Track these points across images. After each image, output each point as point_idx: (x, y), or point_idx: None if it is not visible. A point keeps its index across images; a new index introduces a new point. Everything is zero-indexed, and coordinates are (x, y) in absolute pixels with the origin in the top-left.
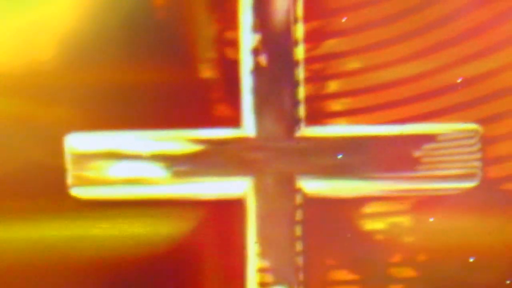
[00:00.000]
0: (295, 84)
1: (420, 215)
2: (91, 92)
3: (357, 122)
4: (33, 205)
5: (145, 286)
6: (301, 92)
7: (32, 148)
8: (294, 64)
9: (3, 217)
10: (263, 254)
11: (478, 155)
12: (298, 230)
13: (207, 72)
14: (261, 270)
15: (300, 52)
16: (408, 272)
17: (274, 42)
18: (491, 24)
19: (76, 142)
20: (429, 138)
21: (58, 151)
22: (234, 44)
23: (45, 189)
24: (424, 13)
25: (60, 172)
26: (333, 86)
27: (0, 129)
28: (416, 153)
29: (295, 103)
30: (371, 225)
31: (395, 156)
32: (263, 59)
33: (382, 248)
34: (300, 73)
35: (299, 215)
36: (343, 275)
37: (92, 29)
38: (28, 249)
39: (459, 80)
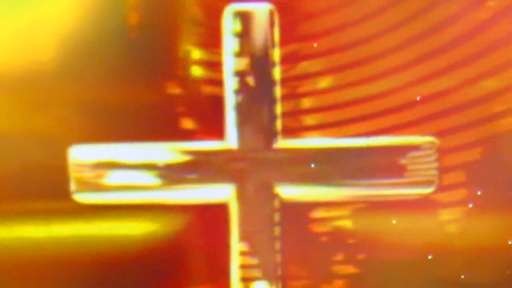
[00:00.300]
0: (273, 101)
1: (382, 217)
2: (90, 107)
3: (328, 135)
4: (39, 208)
5: (139, 281)
6: (278, 108)
7: (40, 158)
8: (272, 83)
9: (13, 218)
10: (245, 252)
11: (435, 165)
12: (277, 231)
13: (194, 91)
14: (244, 267)
15: (277, 73)
16: (371, 268)
17: (254, 64)
18: (447, 47)
19: (78, 153)
20: (392, 149)
21: (62, 161)
22: (218, 66)
23: (51, 194)
24: (385, 38)
25: (64, 179)
26: (306, 103)
27: (11, 141)
28: (380, 163)
29: (273, 118)
30: (339, 226)
31: (362, 166)
32: (244, 80)
33: (349, 246)
34: (277, 91)
35: (277, 218)
36: (318, 270)
37: (85, 42)
38: (35, 247)
39: (418, 98)
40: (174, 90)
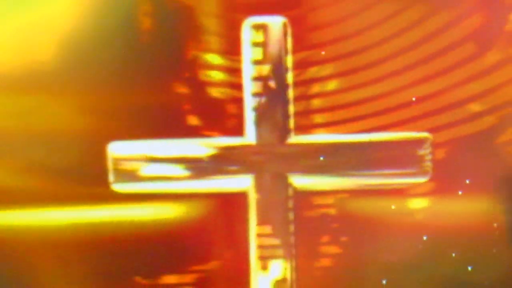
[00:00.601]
0: (286, 102)
1: (384, 202)
2: (127, 106)
3: (335, 132)
4: (82, 197)
5: (170, 258)
6: (291, 108)
7: (83, 153)
8: (286, 86)
9: (60, 205)
10: (263, 234)
11: (429, 157)
12: (291, 216)
13: (217, 93)
14: (262, 247)
15: (290, 77)
16: (372, 248)
17: (270, 70)
18: (437, 54)
19: (116, 148)
20: (391, 144)
21: (103, 155)
22: (239, 71)
23: (92, 184)
24: (384, 46)
25: (104, 171)
26: (315, 103)
27: (59, 138)
28: (380, 156)
29: (287, 117)
30: (346, 210)
31: (364, 158)
32: (261, 84)
33: (358, 227)
34: (290, 93)
35: (290, 204)
36: (327, 250)
37: (97, 45)
38: (80, 231)
39: (413, 99)
40: (200, 93)
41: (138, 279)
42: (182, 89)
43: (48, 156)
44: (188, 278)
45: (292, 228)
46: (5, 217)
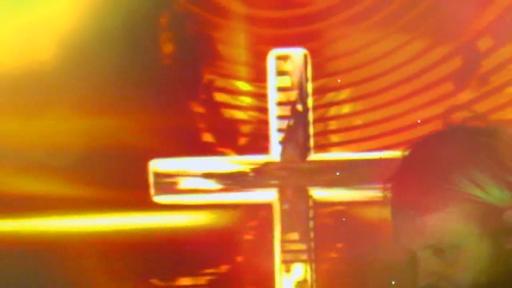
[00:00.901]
0: (307, 124)
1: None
2: (167, 127)
3: (349, 150)
4: (127, 207)
5: (203, 259)
6: (311, 129)
7: (128, 169)
8: (306, 110)
9: (108, 212)
10: (286, 241)
11: None
12: (311, 224)
13: (246, 116)
14: (285, 252)
15: (310, 102)
16: (385, 250)
17: (292, 95)
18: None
19: (157, 165)
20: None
21: (145, 171)
22: (265, 96)
23: (136, 196)
24: (391, 76)
25: (146, 185)
26: (332, 125)
27: (110, 157)
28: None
29: (307, 137)
30: (359, 219)
31: (376, 173)
32: (285, 107)
33: (367, 231)
34: (310, 116)
35: (311, 214)
36: (342, 253)
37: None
38: (124, 236)
39: (418, 121)
40: (229, 117)
41: (172, 277)
42: (215, 114)
43: (102, 172)
44: (218, 278)
45: (312, 235)
46: (63, 223)
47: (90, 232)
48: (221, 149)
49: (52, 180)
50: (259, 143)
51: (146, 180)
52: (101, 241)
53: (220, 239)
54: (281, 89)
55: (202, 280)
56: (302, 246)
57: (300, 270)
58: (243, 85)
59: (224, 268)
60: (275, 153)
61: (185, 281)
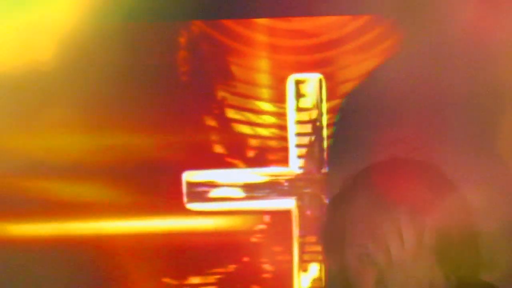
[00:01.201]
0: (321, 140)
1: None
2: (199, 141)
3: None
4: (162, 215)
5: (228, 259)
6: (325, 144)
7: (164, 180)
8: (321, 128)
9: (143, 218)
10: (304, 242)
11: None
12: None
13: (267, 133)
14: (303, 252)
15: (324, 120)
16: None
17: (309, 115)
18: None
19: (190, 176)
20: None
21: (179, 182)
22: (285, 116)
23: (171, 204)
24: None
25: (179, 193)
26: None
27: (148, 168)
28: None
29: (322, 151)
30: None
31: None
32: (302, 126)
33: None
34: (325, 133)
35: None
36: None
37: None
38: (158, 241)
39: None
40: (253, 133)
41: (197, 274)
42: (242, 130)
43: (143, 183)
44: (241, 275)
45: None
46: (108, 226)
47: (132, 235)
48: (246, 162)
49: (102, 187)
50: (279, 157)
51: (180, 190)
52: (142, 242)
53: (244, 241)
54: (299, 109)
55: (227, 275)
56: (318, 248)
57: (316, 269)
58: (266, 106)
59: (247, 267)
60: (294, 165)
61: (210, 279)
